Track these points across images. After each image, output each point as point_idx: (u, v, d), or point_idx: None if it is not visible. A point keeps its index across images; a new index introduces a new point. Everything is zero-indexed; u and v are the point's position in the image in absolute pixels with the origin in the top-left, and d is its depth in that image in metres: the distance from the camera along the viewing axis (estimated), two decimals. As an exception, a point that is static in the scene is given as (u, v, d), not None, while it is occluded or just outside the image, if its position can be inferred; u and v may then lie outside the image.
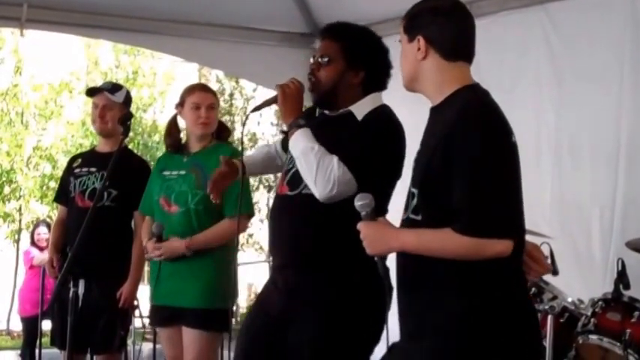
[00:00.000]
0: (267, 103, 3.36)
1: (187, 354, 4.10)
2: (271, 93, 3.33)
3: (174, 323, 4.17)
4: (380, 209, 3.16)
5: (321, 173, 3.01)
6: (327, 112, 3.30)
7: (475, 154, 2.41)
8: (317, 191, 3.04)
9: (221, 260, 4.09)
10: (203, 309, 4.02)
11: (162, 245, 4.10)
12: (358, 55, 3.22)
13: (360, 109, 3.20)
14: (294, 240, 3.20)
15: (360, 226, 2.58)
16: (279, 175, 3.48)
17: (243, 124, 3.61)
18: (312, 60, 3.28)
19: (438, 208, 2.47)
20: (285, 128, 3.25)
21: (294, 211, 3.21)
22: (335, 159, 3.02)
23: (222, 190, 3.55)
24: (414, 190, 2.54)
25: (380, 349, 2.92)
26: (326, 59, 3.21)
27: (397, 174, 3.17)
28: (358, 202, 2.60)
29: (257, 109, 3.54)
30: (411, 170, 2.66)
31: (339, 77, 3.20)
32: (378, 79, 3.27)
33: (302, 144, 3.09)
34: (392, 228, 2.56)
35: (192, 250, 4.09)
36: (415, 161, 2.62)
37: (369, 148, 3.09)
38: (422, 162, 2.56)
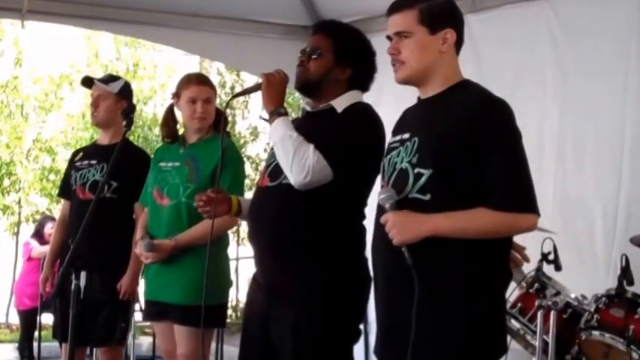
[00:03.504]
0: (250, 90, 3.46)
1: (179, 350, 4.10)
2: (260, 74, 3.38)
3: (164, 318, 4.17)
4: (359, 200, 3.23)
5: (296, 160, 3.07)
6: (308, 108, 3.38)
7: (505, 135, 2.58)
8: (292, 178, 3.11)
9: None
10: (191, 305, 3.97)
11: (151, 255, 4.09)
12: (347, 52, 3.33)
13: (341, 103, 3.30)
14: (274, 229, 3.24)
15: (388, 215, 2.63)
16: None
17: (226, 107, 3.65)
18: (300, 54, 3.36)
19: (452, 187, 2.57)
20: (265, 116, 3.32)
21: (275, 202, 3.25)
22: (311, 147, 3.09)
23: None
24: (423, 171, 2.61)
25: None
26: (317, 52, 3.30)
27: (377, 167, 3.21)
28: (381, 196, 2.66)
29: (240, 94, 3.80)
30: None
31: (327, 71, 3.30)
32: (363, 79, 3.39)
33: (281, 131, 3.16)
34: (421, 214, 2.60)
35: (179, 249, 4.07)
36: (420, 145, 2.66)
37: (346, 137, 3.17)
38: (432, 145, 2.63)
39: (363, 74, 3.37)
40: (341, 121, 3.23)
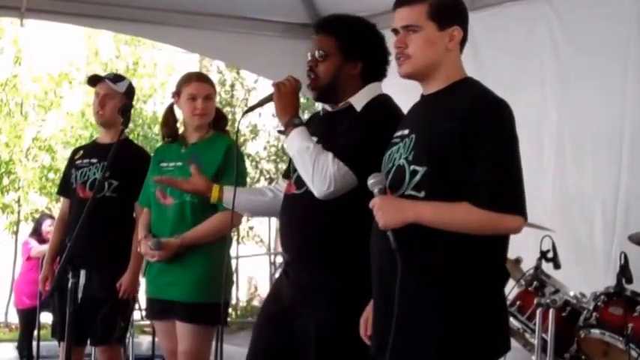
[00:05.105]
0: (262, 102, 3.37)
1: (180, 347, 4.09)
2: (271, 85, 3.33)
3: (167, 316, 4.16)
4: None
5: (317, 172, 3.03)
6: (328, 108, 3.31)
7: (500, 135, 2.57)
8: (315, 190, 3.07)
9: (212, 253, 4.06)
10: (194, 303, 3.99)
11: (158, 253, 4.09)
12: (354, 46, 3.23)
13: (359, 100, 3.22)
14: (301, 237, 3.22)
15: (375, 200, 2.65)
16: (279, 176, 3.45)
17: (238, 124, 3.56)
18: (309, 56, 3.27)
19: (446, 185, 2.57)
20: (281, 128, 3.25)
21: (301, 209, 3.22)
22: (330, 156, 3.04)
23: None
24: (418, 168, 2.61)
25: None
26: (322, 54, 3.21)
27: None
28: (370, 181, 2.67)
29: (252, 108, 3.58)
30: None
31: (338, 71, 3.21)
32: (377, 68, 3.28)
33: (297, 144, 3.11)
34: (406, 200, 2.62)
35: (186, 247, 4.07)
36: (417, 142, 2.65)
37: (366, 136, 3.10)
38: (428, 142, 2.63)
39: (375, 63, 3.27)
40: (360, 120, 3.17)
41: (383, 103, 3.23)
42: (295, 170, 3.24)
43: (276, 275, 3.62)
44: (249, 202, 3.42)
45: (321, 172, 3.02)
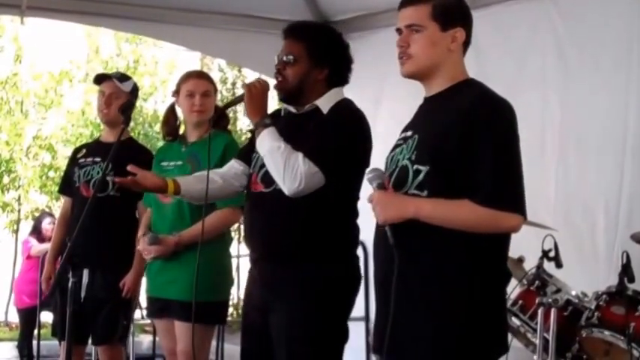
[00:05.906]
0: (233, 103, 3.55)
1: (179, 346, 4.10)
2: (241, 86, 3.39)
3: (166, 315, 4.17)
4: (352, 198, 3.32)
5: (288, 171, 3.12)
6: (292, 110, 3.40)
7: (501, 134, 2.58)
8: (285, 188, 3.15)
9: (210, 252, 4.03)
10: (191, 302, 3.98)
11: (154, 249, 4.10)
12: (322, 53, 3.35)
13: (325, 103, 3.33)
14: (269, 234, 3.29)
15: (373, 194, 2.66)
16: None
17: (212, 121, 3.60)
18: (276, 59, 3.38)
19: (448, 184, 2.58)
20: (251, 127, 3.35)
21: (270, 207, 3.29)
22: (300, 155, 3.14)
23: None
24: (421, 168, 2.62)
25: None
26: (291, 58, 3.32)
27: (366, 163, 3.26)
28: (368, 175, 2.69)
29: (224, 108, 3.79)
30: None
31: (305, 75, 3.33)
32: (341, 74, 3.41)
33: (268, 143, 3.20)
34: (405, 196, 2.64)
35: (182, 245, 4.08)
36: (419, 142, 2.67)
37: (336, 139, 3.21)
38: (430, 142, 2.64)
39: (340, 69, 3.40)
40: (329, 123, 3.26)
41: (346, 106, 3.36)
42: (261, 168, 3.31)
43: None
44: (202, 191, 3.42)
45: (292, 171, 3.11)
